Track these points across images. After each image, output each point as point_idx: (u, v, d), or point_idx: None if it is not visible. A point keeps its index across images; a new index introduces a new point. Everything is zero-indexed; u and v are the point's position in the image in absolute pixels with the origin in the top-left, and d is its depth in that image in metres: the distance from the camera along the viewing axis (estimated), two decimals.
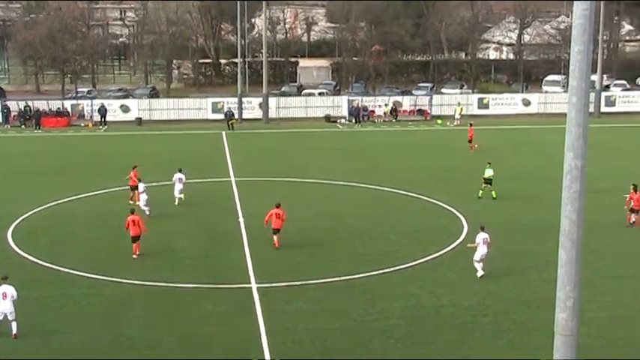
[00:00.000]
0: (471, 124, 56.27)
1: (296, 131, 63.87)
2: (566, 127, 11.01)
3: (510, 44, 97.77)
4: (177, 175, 39.71)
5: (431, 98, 71.68)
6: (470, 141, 53.65)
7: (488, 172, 40.59)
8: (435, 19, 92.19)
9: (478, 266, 29.06)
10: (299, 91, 77.69)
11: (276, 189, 41.83)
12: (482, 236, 29.15)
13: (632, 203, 35.42)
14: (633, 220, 35.47)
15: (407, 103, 71.57)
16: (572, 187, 11.16)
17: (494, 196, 40.26)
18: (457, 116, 66.28)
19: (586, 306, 23.42)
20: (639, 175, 41.06)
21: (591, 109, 65.69)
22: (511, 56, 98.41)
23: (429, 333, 24.46)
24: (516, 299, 27.11)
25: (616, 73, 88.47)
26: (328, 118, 68.90)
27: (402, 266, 30.43)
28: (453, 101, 69.76)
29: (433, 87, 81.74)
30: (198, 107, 69.79)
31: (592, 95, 67.57)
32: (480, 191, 40.56)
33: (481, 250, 29.00)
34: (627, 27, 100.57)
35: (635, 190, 35.46)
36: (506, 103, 73.08)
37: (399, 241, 33.98)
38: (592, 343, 23.00)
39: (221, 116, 66.63)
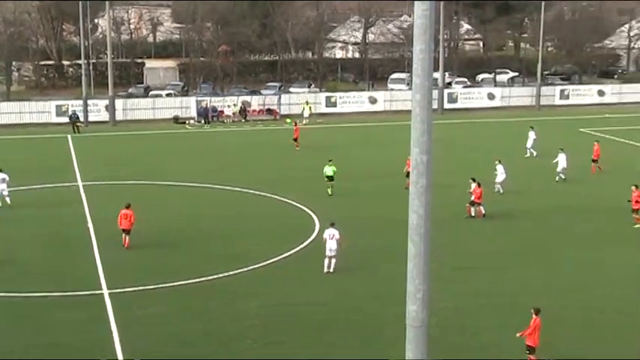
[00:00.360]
0: (296, 123, 56.99)
1: (145, 133, 62.75)
2: (411, 124, 11.26)
3: (356, 43, 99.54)
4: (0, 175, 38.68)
5: (279, 98, 72.01)
6: (295, 139, 54.15)
7: (329, 170, 41.20)
8: (281, 19, 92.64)
9: (325, 262, 29.44)
10: (146, 93, 76.36)
11: (127, 192, 40.87)
12: (328, 232, 29.52)
13: (473, 197, 36.92)
14: (473, 213, 36.95)
15: (256, 102, 71.61)
16: (419, 182, 11.43)
17: (330, 193, 40.92)
18: (306, 115, 66.94)
19: (435, 297, 24.09)
20: (480, 170, 42.76)
21: (435, 105, 67.82)
22: (357, 55, 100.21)
23: (285, 332, 24.59)
24: (369, 294, 27.63)
25: (457, 70, 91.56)
26: (177, 120, 68.07)
27: (257, 265, 30.46)
28: (302, 100, 70.39)
29: (281, 86, 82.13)
30: (42, 110, 67.30)
31: (435, 92, 69.71)
32: (328, 189, 41.14)
33: (328, 245, 29.36)
34: (466, 26, 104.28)
35: (479, 185, 36.98)
36: (353, 101, 74.36)
37: (254, 240, 33.96)
38: (442, 332, 23.73)
39: (66, 119, 64.59)
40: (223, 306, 26.50)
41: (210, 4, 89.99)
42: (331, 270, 29.49)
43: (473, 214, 36.86)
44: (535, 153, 50.92)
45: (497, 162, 41.56)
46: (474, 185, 36.81)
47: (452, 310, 25.90)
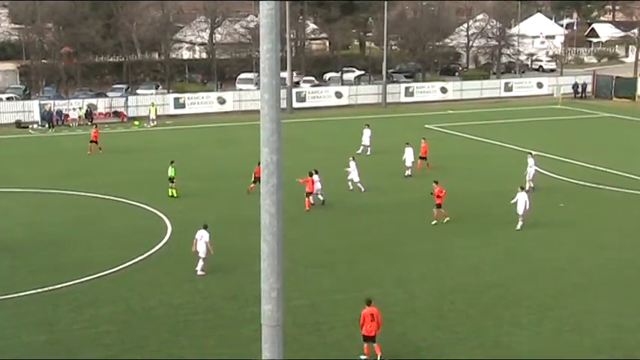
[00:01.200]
0: (95, 125, 56.34)
1: None
2: (260, 124, 11.30)
3: (203, 44, 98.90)
4: None
5: (126, 100, 70.64)
6: (93, 141, 53.09)
7: (170, 171, 40.84)
8: (125, 20, 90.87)
9: (202, 264, 29.48)
10: None
11: None
12: (199, 233, 29.52)
13: (306, 187, 38.02)
14: (312, 202, 37.88)
15: (102, 105, 69.97)
16: (270, 181, 11.47)
17: (171, 194, 40.65)
18: (152, 117, 65.95)
19: (290, 295, 24.33)
20: (323, 164, 43.43)
21: (283, 105, 68.31)
22: (204, 55, 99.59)
23: (141, 336, 24.18)
24: (225, 295, 27.55)
25: (304, 70, 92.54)
26: (19, 124, 65.59)
27: (108, 271, 29.77)
28: (149, 102, 69.29)
29: (128, 88, 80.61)
30: None
31: (283, 92, 70.20)
32: (170, 190, 40.66)
33: (199, 248, 29.28)
34: (312, 25, 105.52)
35: (311, 175, 38.24)
36: (202, 102, 73.84)
37: (104, 245, 33.19)
38: (298, 330, 23.98)
39: None
40: (72, 314, 25.72)
41: (48, 5, 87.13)
42: (199, 271, 29.39)
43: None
44: (369, 150, 51.67)
45: (350, 159, 42.23)
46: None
47: (307, 308, 26.17)
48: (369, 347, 22.55)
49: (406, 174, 45.48)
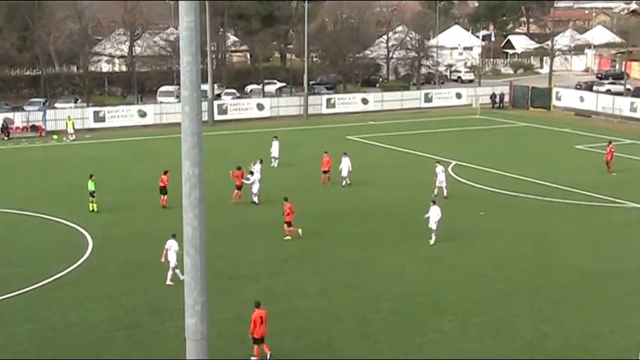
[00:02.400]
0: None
1: None
2: (181, 136, 11.24)
3: (122, 56, 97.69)
4: None
5: (44, 113, 69.31)
6: None
7: (90, 185, 40.32)
8: (42, 32, 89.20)
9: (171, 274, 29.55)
10: None
11: None
12: (168, 243, 29.53)
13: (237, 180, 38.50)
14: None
15: (19, 119, 68.51)
16: (192, 194, 11.39)
17: (92, 209, 40.13)
18: (71, 130, 64.82)
19: (215, 308, 24.21)
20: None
21: (205, 117, 67.96)
22: (124, 68, 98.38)
23: (61, 354, 23.75)
24: (148, 309, 27.23)
25: (226, 82, 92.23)
26: None
27: (28, 289, 29.13)
28: (67, 116, 68.09)
29: (46, 102, 79.06)
30: None
31: (205, 104, 69.85)
32: (90, 205, 40.08)
33: (170, 258, 29.30)
34: (233, 38, 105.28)
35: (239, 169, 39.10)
36: (122, 115, 72.86)
37: (22, 262, 32.46)
38: (224, 343, 23.87)
39: None
40: None
41: None
42: (168, 281, 29.33)
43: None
44: (277, 163, 51.78)
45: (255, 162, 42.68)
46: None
47: (232, 320, 26.07)
48: (259, 348, 22.93)
49: (343, 184, 45.83)
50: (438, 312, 27.04)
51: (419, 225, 37.17)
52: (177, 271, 28.93)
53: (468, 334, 25.21)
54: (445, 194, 41.96)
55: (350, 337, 25.03)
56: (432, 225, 34.77)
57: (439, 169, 42.94)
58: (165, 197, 40.39)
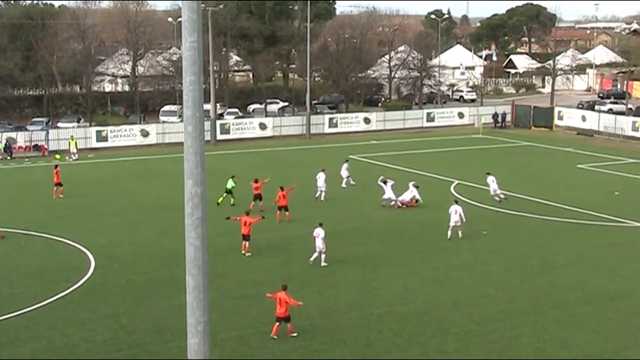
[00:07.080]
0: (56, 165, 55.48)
1: None
2: (184, 156, 11.23)
3: (125, 76, 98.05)
4: None
5: (47, 133, 69.47)
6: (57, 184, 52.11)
7: (231, 183, 43.29)
8: (45, 52, 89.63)
9: (324, 256, 33.99)
10: None
11: None
12: (316, 231, 33.90)
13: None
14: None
15: (22, 139, 68.68)
16: (194, 214, 11.38)
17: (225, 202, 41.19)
18: (73, 150, 64.94)
19: (217, 328, 24.12)
20: (249, 196, 43.33)
21: (207, 137, 68.08)
22: (127, 88, 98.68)
23: None
24: (150, 330, 27.12)
25: (228, 101, 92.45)
26: None
27: (28, 309, 29.04)
28: (70, 135, 68.23)
29: (49, 121, 79.30)
30: None
31: (207, 124, 69.96)
32: (221, 198, 42.17)
33: (316, 243, 33.78)
34: (235, 57, 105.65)
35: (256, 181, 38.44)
36: (125, 134, 72.99)
37: (24, 283, 32.38)
38: None
39: None
40: None
41: None
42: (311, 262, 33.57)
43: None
44: (345, 182, 51.91)
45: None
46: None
47: (235, 340, 25.94)
48: (277, 327, 25.58)
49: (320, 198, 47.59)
50: (441, 332, 26.91)
51: (422, 245, 37.13)
52: (323, 256, 33.56)
53: (471, 355, 25.06)
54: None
55: (353, 358, 24.88)
56: (451, 223, 38.05)
57: (412, 188, 46.20)
58: (261, 203, 43.24)
